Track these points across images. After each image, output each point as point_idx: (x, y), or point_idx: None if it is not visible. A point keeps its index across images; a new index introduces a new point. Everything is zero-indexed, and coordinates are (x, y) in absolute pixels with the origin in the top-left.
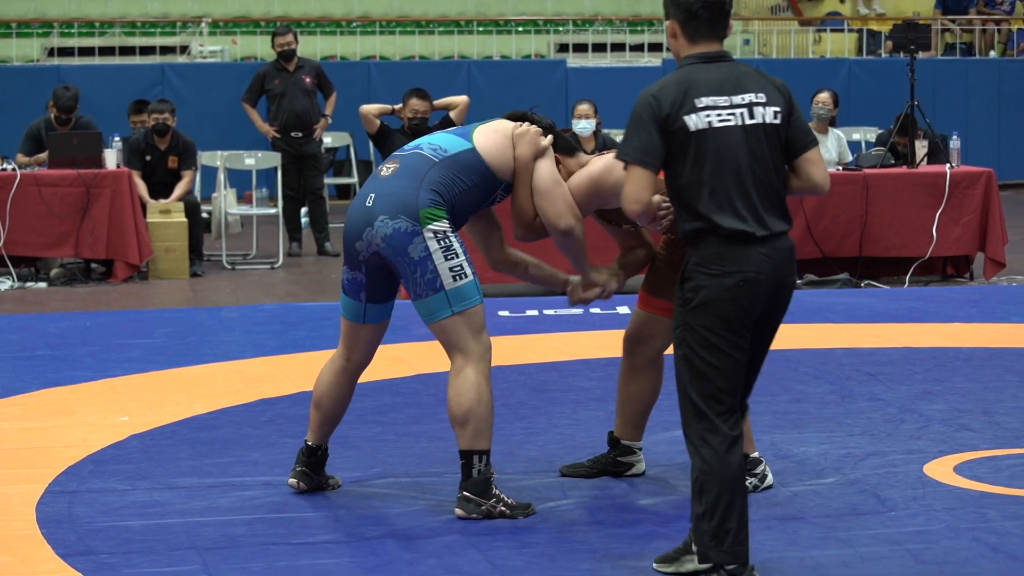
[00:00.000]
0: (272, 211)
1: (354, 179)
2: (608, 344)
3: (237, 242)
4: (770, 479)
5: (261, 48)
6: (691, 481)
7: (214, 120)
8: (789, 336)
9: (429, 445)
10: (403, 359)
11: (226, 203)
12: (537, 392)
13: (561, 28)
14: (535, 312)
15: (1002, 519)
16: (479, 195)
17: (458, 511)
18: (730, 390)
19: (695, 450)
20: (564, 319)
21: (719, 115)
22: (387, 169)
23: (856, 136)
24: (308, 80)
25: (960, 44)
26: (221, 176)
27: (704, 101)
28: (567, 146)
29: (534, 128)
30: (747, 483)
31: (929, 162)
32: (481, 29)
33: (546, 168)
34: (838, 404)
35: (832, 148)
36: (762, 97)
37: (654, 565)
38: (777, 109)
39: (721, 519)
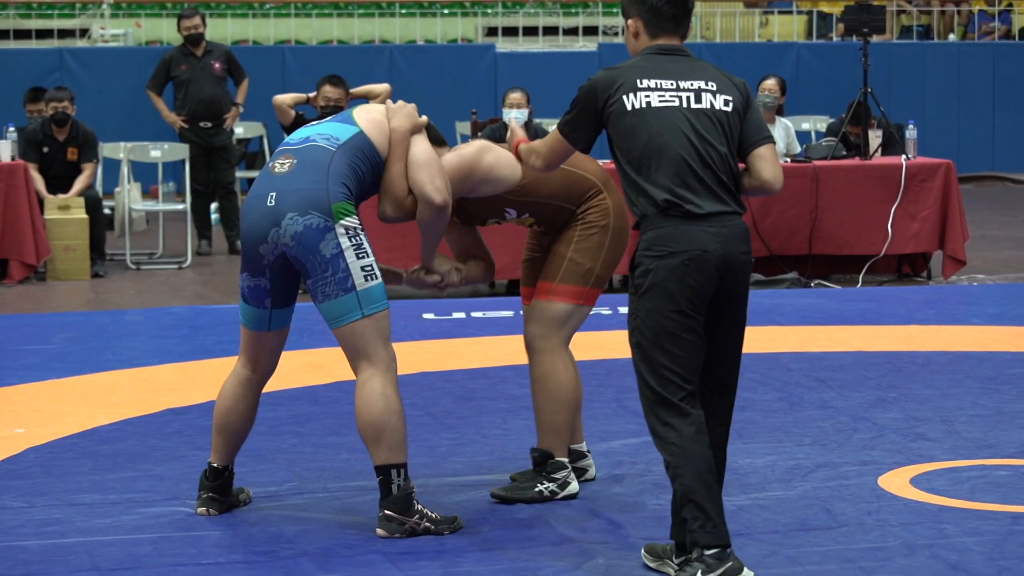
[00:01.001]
0: (180, 207)
1: None
2: None
3: (142, 240)
4: (574, 486)
5: (167, 31)
6: (664, 469)
7: (117, 109)
8: None
9: (349, 457)
10: (322, 365)
11: (130, 198)
12: (464, 400)
13: (490, 10)
14: (462, 315)
15: (962, 535)
16: (371, 182)
17: (380, 531)
18: (688, 374)
19: (660, 439)
20: (493, 322)
21: (660, 96)
22: (281, 165)
23: (805, 126)
24: (217, 66)
25: (917, 27)
26: (124, 169)
27: (646, 83)
28: (437, 137)
29: (411, 104)
30: (544, 489)
31: (884, 153)
32: (404, 11)
33: (424, 142)
34: (786, 412)
35: (780, 138)
36: (712, 86)
37: (644, 552)
38: (728, 98)
39: (698, 501)
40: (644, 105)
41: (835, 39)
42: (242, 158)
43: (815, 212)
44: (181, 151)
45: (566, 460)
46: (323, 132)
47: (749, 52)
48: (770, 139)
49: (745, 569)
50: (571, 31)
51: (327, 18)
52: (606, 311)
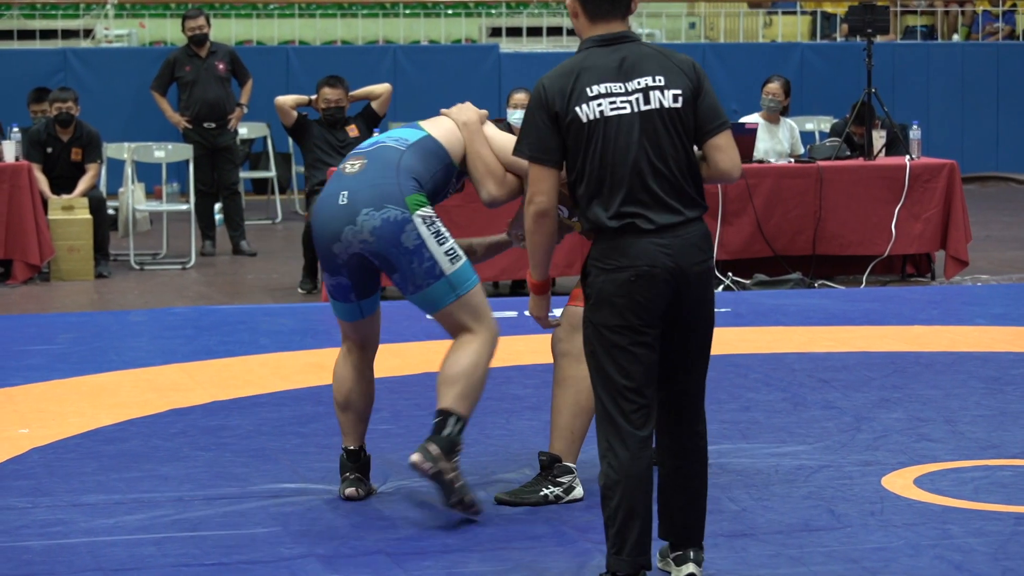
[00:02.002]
0: (183, 207)
1: (271, 173)
2: (545, 350)
3: (146, 240)
4: (579, 491)
5: (171, 32)
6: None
7: (120, 109)
8: (738, 340)
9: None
10: (325, 365)
11: (134, 199)
12: None
13: (493, 11)
14: None
15: (966, 535)
16: (442, 182)
17: (414, 457)
18: (637, 389)
19: (602, 453)
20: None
21: (612, 103)
22: (352, 166)
23: (809, 126)
24: (221, 67)
25: (921, 27)
26: (128, 170)
27: (596, 89)
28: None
29: (466, 103)
30: (549, 493)
31: (887, 154)
32: (408, 12)
33: (496, 130)
34: (790, 412)
35: (784, 139)
36: (660, 80)
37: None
38: (677, 92)
39: (621, 526)
40: (598, 115)
41: (839, 39)
42: (246, 158)
43: (819, 212)
44: (185, 151)
45: (573, 465)
46: (392, 135)
47: (753, 53)
48: (725, 125)
49: None
50: (574, 31)
51: (331, 18)
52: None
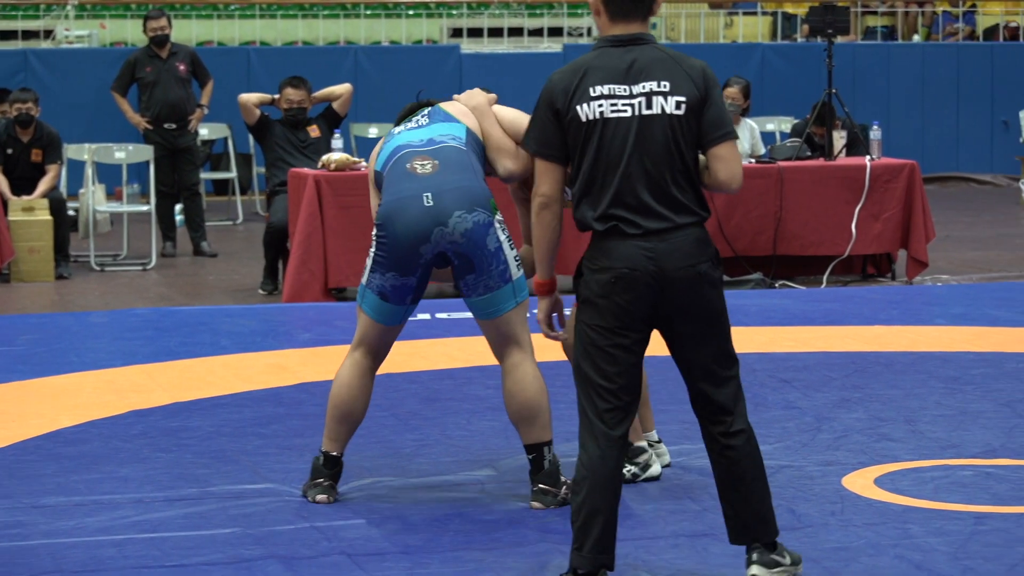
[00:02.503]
0: (144, 208)
1: (232, 173)
2: None
3: (106, 242)
4: (655, 468)
5: (132, 33)
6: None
7: (81, 110)
8: None
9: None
10: (285, 367)
11: (94, 200)
12: (429, 401)
13: (455, 11)
14: (427, 316)
15: (926, 535)
16: (484, 174)
17: (535, 504)
18: (612, 390)
19: (580, 447)
20: (458, 323)
21: (613, 105)
22: (423, 166)
23: (770, 126)
24: (182, 67)
25: (881, 28)
26: (89, 171)
27: (599, 90)
28: None
29: (476, 89)
30: (626, 471)
31: (848, 154)
32: (368, 12)
33: (508, 109)
34: (751, 413)
35: (744, 139)
36: (665, 86)
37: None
38: (681, 99)
39: (584, 522)
40: (597, 116)
41: (800, 40)
42: (207, 159)
43: (779, 213)
44: (145, 152)
45: (645, 444)
46: (442, 133)
47: (714, 53)
48: (728, 136)
49: None
50: (536, 32)
51: (292, 19)
52: None
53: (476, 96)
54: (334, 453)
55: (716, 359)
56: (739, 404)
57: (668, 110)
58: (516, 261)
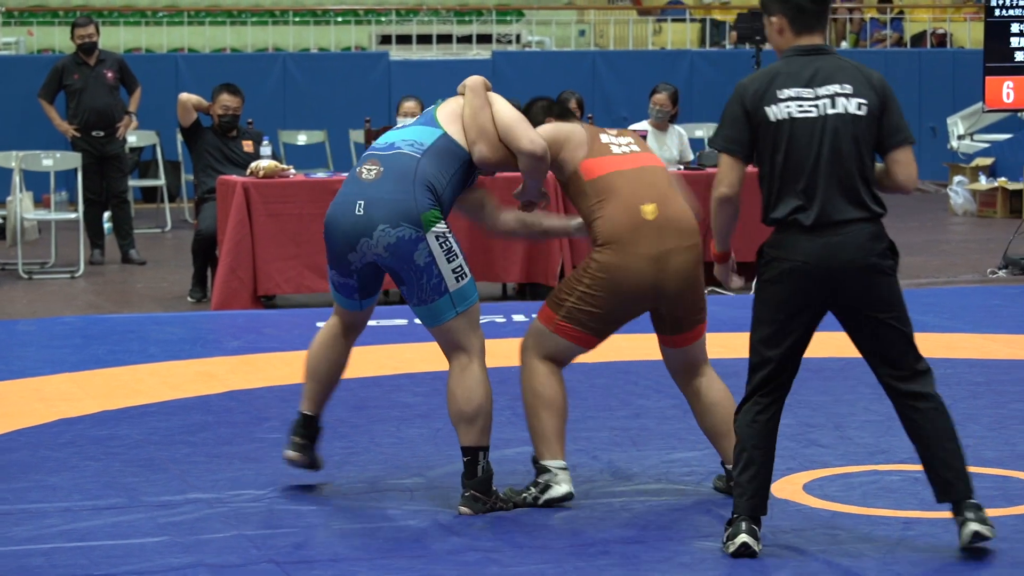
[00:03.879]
0: (72, 216)
1: (161, 181)
2: (434, 357)
3: (34, 250)
4: (557, 490)
5: (59, 40)
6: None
7: (8, 118)
8: (628, 347)
9: (242, 467)
10: (215, 374)
11: (22, 207)
12: (358, 409)
13: (383, 18)
14: None
15: (854, 540)
16: (462, 180)
17: (464, 509)
18: (774, 362)
19: (738, 415)
20: (386, 330)
21: (800, 106)
22: (368, 171)
23: (699, 133)
24: (110, 75)
25: None
26: (16, 178)
27: (787, 92)
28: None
29: (476, 76)
30: (528, 494)
31: None
32: (297, 19)
33: (504, 102)
34: (680, 419)
35: (673, 146)
36: (848, 88)
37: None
38: (863, 101)
39: (739, 472)
40: (785, 116)
41: (728, 47)
42: (135, 167)
43: (708, 220)
44: (73, 160)
45: (551, 463)
46: (407, 138)
47: (643, 60)
48: (907, 140)
49: (742, 536)
50: (465, 39)
51: (220, 26)
52: (500, 319)
53: (472, 79)
54: (307, 412)
55: (894, 343)
56: (925, 376)
57: (850, 110)
58: (456, 273)
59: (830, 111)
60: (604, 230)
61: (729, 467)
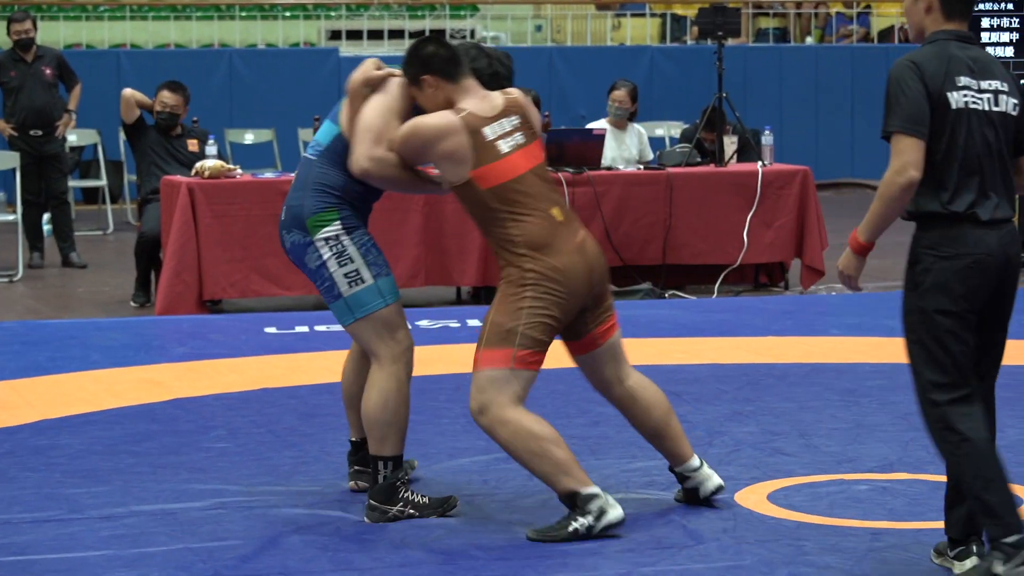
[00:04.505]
0: (10, 218)
1: (102, 181)
2: None
3: None
4: (613, 513)
5: None
6: (945, 467)
7: None
8: None
9: (189, 477)
10: (159, 382)
11: None
12: (308, 417)
13: (333, 13)
14: (305, 328)
15: (820, 552)
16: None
17: (365, 518)
18: (965, 372)
19: (940, 439)
20: (336, 336)
21: (972, 96)
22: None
23: (659, 131)
24: (48, 71)
25: (773, 30)
26: None
27: (963, 80)
28: (444, 68)
29: (368, 61)
30: (579, 524)
31: (739, 160)
32: (244, 14)
33: (375, 101)
34: None
35: (632, 145)
36: (1004, 87)
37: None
38: (1016, 101)
39: (981, 497)
40: (963, 105)
41: (689, 42)
42: (75, 167)
43: (669, 221)
44: (11, 160)
45: (590, 490)
46: (314, 139)
47: (601, 56)
48: None
49: None
50: (417, 34)
51: (164, 20)
52: (454, 324)
53: (354, 73)
54: (353, 438)
55: (1004, 337)
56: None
57: (1007, 110)
58: (351, 278)
59: (994, 108)
60: (526, 238)
61: (678, 470)
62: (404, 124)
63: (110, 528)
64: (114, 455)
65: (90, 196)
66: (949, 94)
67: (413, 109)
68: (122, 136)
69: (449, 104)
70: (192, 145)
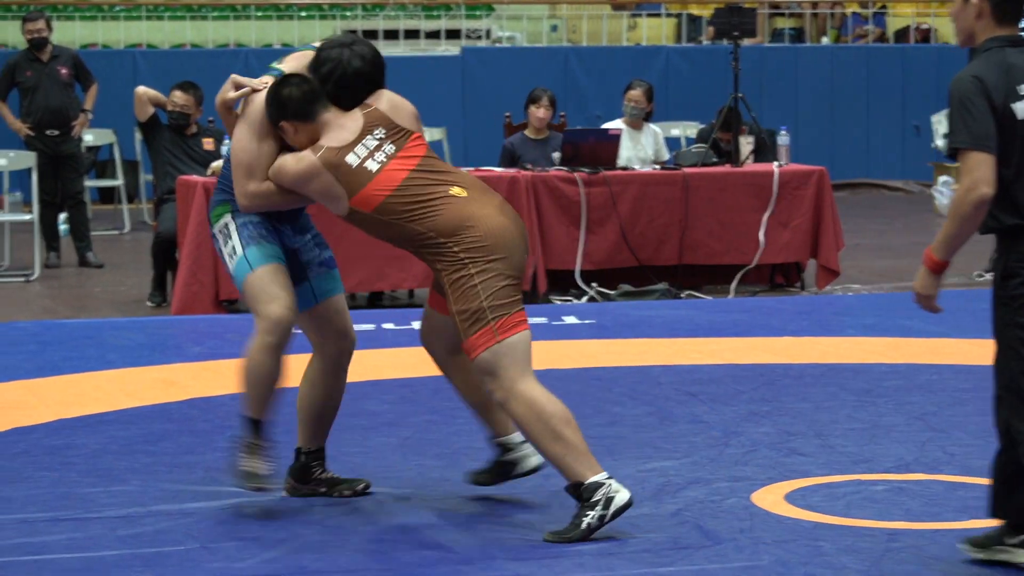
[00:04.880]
0: (27, 217)
1: (118, 181)
2: (403, 363)
3: None
4: (620, 497)
5: (12, 35)
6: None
7: None
8: (603, 353)
9: (205, 477)
10: (175, 382)
11: None
12: None
13: (349, 13)
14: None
15: (837, 552)
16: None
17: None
18: None
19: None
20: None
21: None
22: None
23: (675, 132)
24: (64, 71)
25: (789, 30)
26: None
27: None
28: (300, 110)
29: (228, 81)
30: (590, 518)
31: (755, 160)
32: (260, 14)
33: (238, 132)
34: (656, 427)
35: (647, 145)
36: None
37: (961, 546)
38: None
39: None
40: None
41: (705, 43)
42: (92, 167)
43: (685, 221)
44: (28, 160)
45: (598, 478)
46: None
47: (617, 56)
48: None
49: None
50: (433, 35)
51: (180, 20)
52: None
53: (218, 96)
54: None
55: None
56: None
57: None
58: (229, 255)
59: None
60: (437, 230)
61: (501, 441)
62: (272, 165)
63: (127, 528)
64: (130, 455)
65: (106, 196)
66: (1013, 105)
67: None
68: (138, 136)
69: (314, 140)
70: (208, 144)
